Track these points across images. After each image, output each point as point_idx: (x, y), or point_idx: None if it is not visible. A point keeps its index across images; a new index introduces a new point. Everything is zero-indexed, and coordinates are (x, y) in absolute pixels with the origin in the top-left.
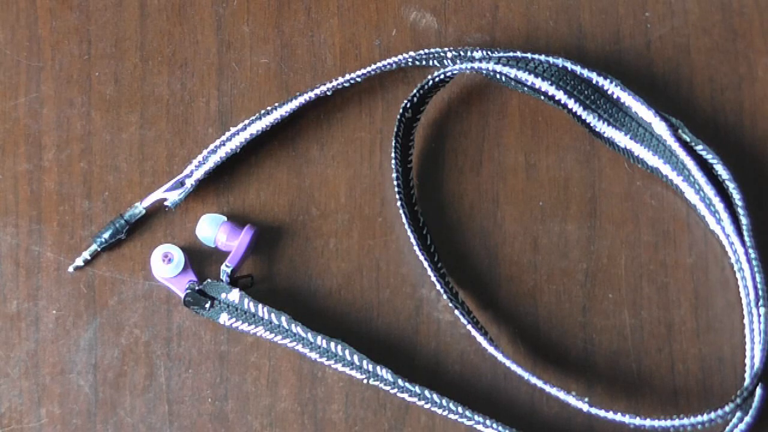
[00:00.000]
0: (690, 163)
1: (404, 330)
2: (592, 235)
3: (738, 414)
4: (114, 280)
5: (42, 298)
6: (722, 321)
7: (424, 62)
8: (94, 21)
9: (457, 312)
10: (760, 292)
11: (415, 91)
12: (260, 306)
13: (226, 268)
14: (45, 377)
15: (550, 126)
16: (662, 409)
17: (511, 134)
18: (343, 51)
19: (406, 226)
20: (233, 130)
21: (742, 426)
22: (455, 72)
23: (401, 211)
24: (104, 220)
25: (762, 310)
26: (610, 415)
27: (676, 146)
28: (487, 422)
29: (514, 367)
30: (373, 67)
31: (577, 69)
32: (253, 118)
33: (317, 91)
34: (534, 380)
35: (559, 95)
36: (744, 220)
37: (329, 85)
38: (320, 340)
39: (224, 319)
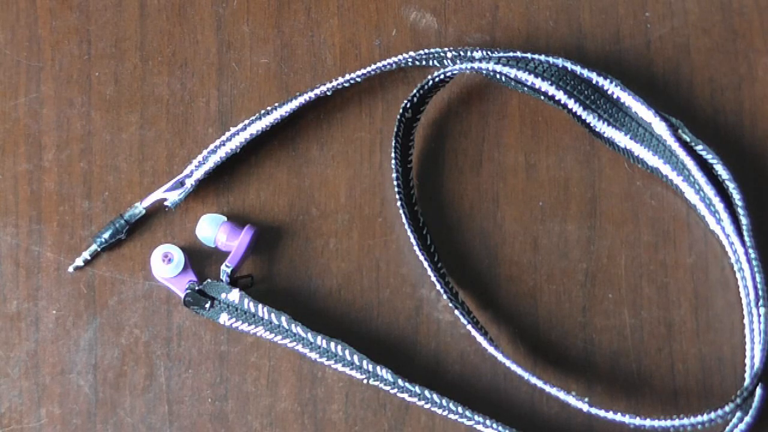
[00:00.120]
0: (690, 163)
1: (404, 330)
2: (592, 235)
3: (738, 414)
4: (114, 280)
5: (42, 298)
6: (722, 321)
7: (424, 62)
8: (94, 21)
9: (457, 312)
10: (760, 292)
11: (415, 91)
12: (260, 306)
13: (226, 268)
14: (45, 377)
15: (550, 126)
16: (662, 409)
17: (511, 134)
18: (343, 51)
19: (406, 226)
20: (233, 130)
21: (742, 426)
22: (455, 72)
23: (401, 211)
24: (104, 220)
25: (762, 310)
26: (610, 415)
27: (676, 146)
28: (487, 422)
29: (514, 367)
30: (373, 67)
31: (577, 69)
32: (253, 118)
33: (317, 91)
34: (534, 380)
35: (559, 95)
36: (744, 220)
37: (329, 85)
38: (320, 340)
39: (224, 319)
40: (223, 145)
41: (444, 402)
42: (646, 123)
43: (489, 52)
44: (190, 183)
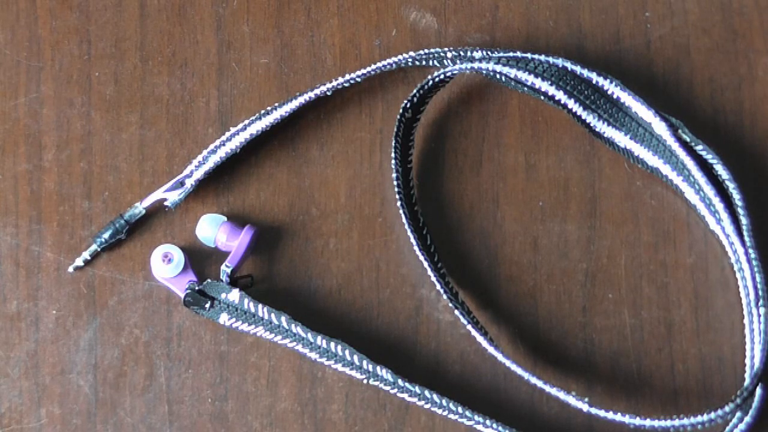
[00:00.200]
0: (690, 163)
1: (404, 330)
2: (592, 235)
3: (738, 414)
4: (114, 280)
5: (42, 298)
6: (722, 321)
7: (424, 62)
8: (94, 21)
9: (457, 312)
10: (760, 292)
11: (415, 91)
12: (260, 306)
13: (226, 268)
14: (45, 377)
15: (550, 126)
16: (662, 409)
17: (511, 134)
18: (343, 51)
19: (406, 226)
20: (233, 130)
21: (742, 426)
22: (455, 72)
23: (401, 211)
24: (104, 220)
25: (762, 310)
26: (610, 415)
27: (676, 146)
28: (487, 422)
29: (514, 367)
30: (373, 67)
31: (577, 69)
32: (253, 118)
33: (317, 91)
34: (534, 380)
35: (559, 95)
36: (744, 220)
37: (329, 85)
38: (320, 340)
39: (224, 319)
40: (223, 145)
41: (444, 402)
42: (646, 123)
43: (489, 52)
44: (190, 183)
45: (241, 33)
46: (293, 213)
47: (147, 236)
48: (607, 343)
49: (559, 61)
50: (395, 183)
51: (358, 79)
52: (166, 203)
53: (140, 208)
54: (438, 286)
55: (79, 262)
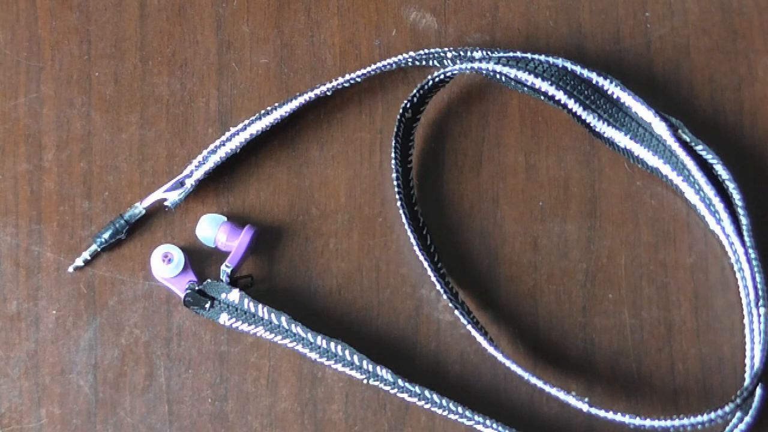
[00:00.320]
0: (690, 163)
1: (404, 330)
2: (592, 235)
3: (738, 414)
4: (114, 280)
5: (42, 298)
6: (722, 321)
7: (424, 62)
8: (94, 21)
9: (457, 312)
10: (760, 292)
11: (415, 91)
12: (260, 306)
13: (226, 268)
14: (45, 377)
15: (550, 126)
16: (662, 409)
17: (511, 134)
18: (343, 51)
19: (406, 226)
20: (233, 130)
21: (742, 426)
22: (455, 72)
23: (401, 211)
24: (104, 220)
25: (762, 310)
26: (610, 415)
27: (676, 146)
28: (487, 422)
29: (514, 367)
30: (373, 67)
31: (577, 69)
32: (253, 118)
33: (317, 91)
34: (534, 380)
35: (559, 95)
36: (744, 220)
37: (329, 85)
38: (320, 340)
39: (224, 319)
40: (223, 145)
41: (444, 402)
42: (646, 123)
43: (489, 52)
44: (190, 183)
45: (241, 33)
46: (293, 213)
47: (147, 236)
48: (607, 343)
49: (559, 61)
50: (395, 183)
51: (358, 79)
52: (166, 203)
53: (140, 208)
54: (438, 286)
55: (79, 262)
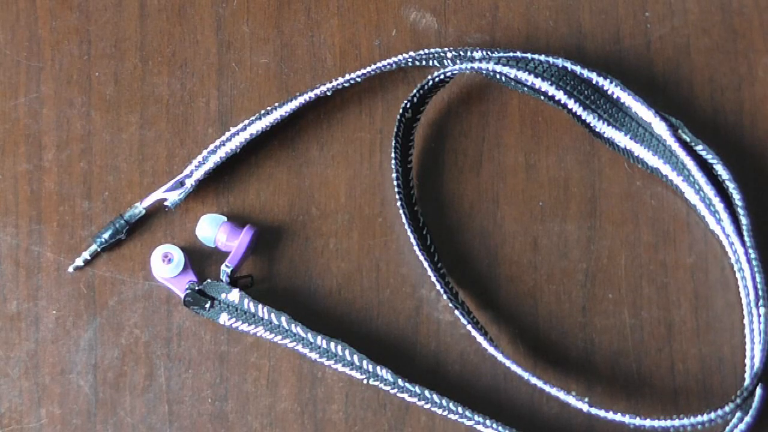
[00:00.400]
0: (690, 163)
1: (404, 330)
2: (592, 235)
3: (738, 414)
4: (114, 280)
5: (42, 298)
6: (722, 321)
7: (424, 62)
8: (94, 21)
9: (457, 312)
10: (760, 292)
11: (415, 91)
12: (260, 306)
13: (226, 268)
14: (45, 377)
15: (550, 126)
16: (662, 409)
17: (511, 134)
18: (343, 51)
19: (406, 226)
20: (233, 130)
21: (742, 426)
22: (455, 72)
23: (401, 211)
24: (104, 220)
25: (762, 310)
26: (610, 415)
27: (676, 146)
28: (487, 422)
29: (514, 367)
30: (373, 67)
31: (577, 69)
32: (253, 118)
33: (317, 91)
34: (534, 380)
35: (559, 95)
36: (744, 220)
37: (329, 85)
38: (320, 340)
39: (224, 319)
40: (223, 145)
41: (444, 402)
42: (646, 123)
43: (489, 52)
44: (190, 183)
45: (241, 33)
46: (293, 213)
47: (147, 236)
48: (607, 343)
49: (559, 61)
50: (395, 183)
51: (358, 79)
52: (166, 203)
53: (140, 208)
54: (438, 286)
55: (79, 262)
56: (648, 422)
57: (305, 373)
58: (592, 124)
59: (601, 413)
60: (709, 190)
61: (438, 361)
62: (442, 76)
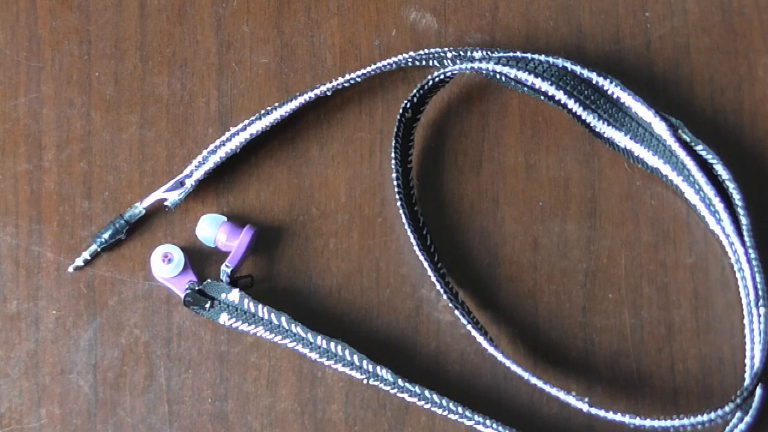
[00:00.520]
0: (690, 163)
1: (404, 330)
2: (592, 235)
3: (738, 414)
4: (114, 280)
5: (42, 298)
6: (722, 321)
7: (424, 62)
8: (94, 21)
9: (457, 312)
10: (760, 292)
11: (415, 91)
12: (260, 306)
13: (226, 268)
14: (45, 377)
15: (550, 126)
16: (662, 409)
17: (511, 134)
18: (343, 51)
19: (406, 226)
20: (233, 130)
21: (742, 426)
22: (455, 72)
23: (401, 211)
24: (104, 220)
25: (762, 310)
26: (610, 415)
27: (676, 146)
28: (487, 422)
29: (514, 367)
30: (373, 67)
31: (577, 69)
32: (253, 118)
33: (317, 91)
34: (534, 380)
35: (559, 95)
36: (744, 220)
37: (329, 85)
38: (320, 340)
39: (224, 319)
40: (223, 145)
41: (444, 402)
42: (646, 123)
43: (489, 52)
44: (190, 183)
45: (241, 33)
46: (293, 213)
47: (147, 236)
48: (607, 343)
49: (559, 61)
50: (395, 183)
51: (358, 79)
52: (166, 203)
53: (140, 208)
54: (438, 286)
55: (79, 262)
56: (648, 422)
57: (305, 373)
58: (592, 124)
59: (601, 413)
60: (709, 190)
61: (438, 361)
62: (442, 76)
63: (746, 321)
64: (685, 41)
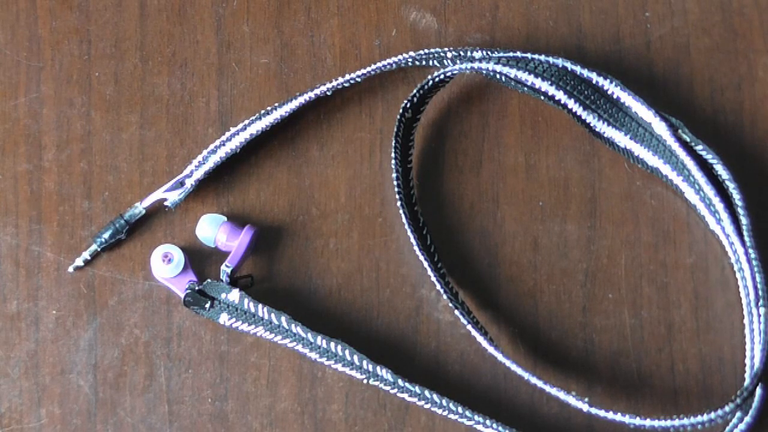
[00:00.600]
0: (690, 163)
1: (404, 330)
2: (592, 235)
3: (738, 414)
4: (114, 280)
5: (42, 298)
6: (722, 321)
7: (424, 62)
8: (94, 21)
9: (457, 312)
10: (760, 292)
11: (415, 91)
12: (260, 306)
13: (226, 268)
14: (45, 377)
15: (550, 126)
16: (662, 409)
17: (511, 134)
18: (343, 51)
19: (406, 226)
20: (233, 130)
21: (742, 426)
22: (455, 72)
23: (401, 211)
24: (104, 220)
25: (762, 310)
26: (610, 415)
27: (676, 146)
28: (487, 422)
29: (514, 367)
30: (373, 67)
31: (577, 69)
32: (253, 118)
33: (317, 91)
34: (534, 380)
35: (559, 95)
36: (744, 220)
37: (329, 85)
38: (320, 340)
39: (224, 319)
40: (223, 145)
41: (444, 402)
42: (646, 123)
43: (489, 52)
44: (190, 183)
45: (241, 33)
46: (293, 213)
47: (147, 236)
48: (607, 343)
49: (559, 61)
50: (395, 183)
51: (358, 79)
52: (166, 203)
53: (140, 208)
54: (438, 286)
55: (79, 262)
56: (648, 422)
57: (305, 373)
58: (592, 124)
59: (601, 413)
60: (709, 190)
61: (438, 361)
62: (442, 76)
63: (746, 321)
64: (685, 41)
